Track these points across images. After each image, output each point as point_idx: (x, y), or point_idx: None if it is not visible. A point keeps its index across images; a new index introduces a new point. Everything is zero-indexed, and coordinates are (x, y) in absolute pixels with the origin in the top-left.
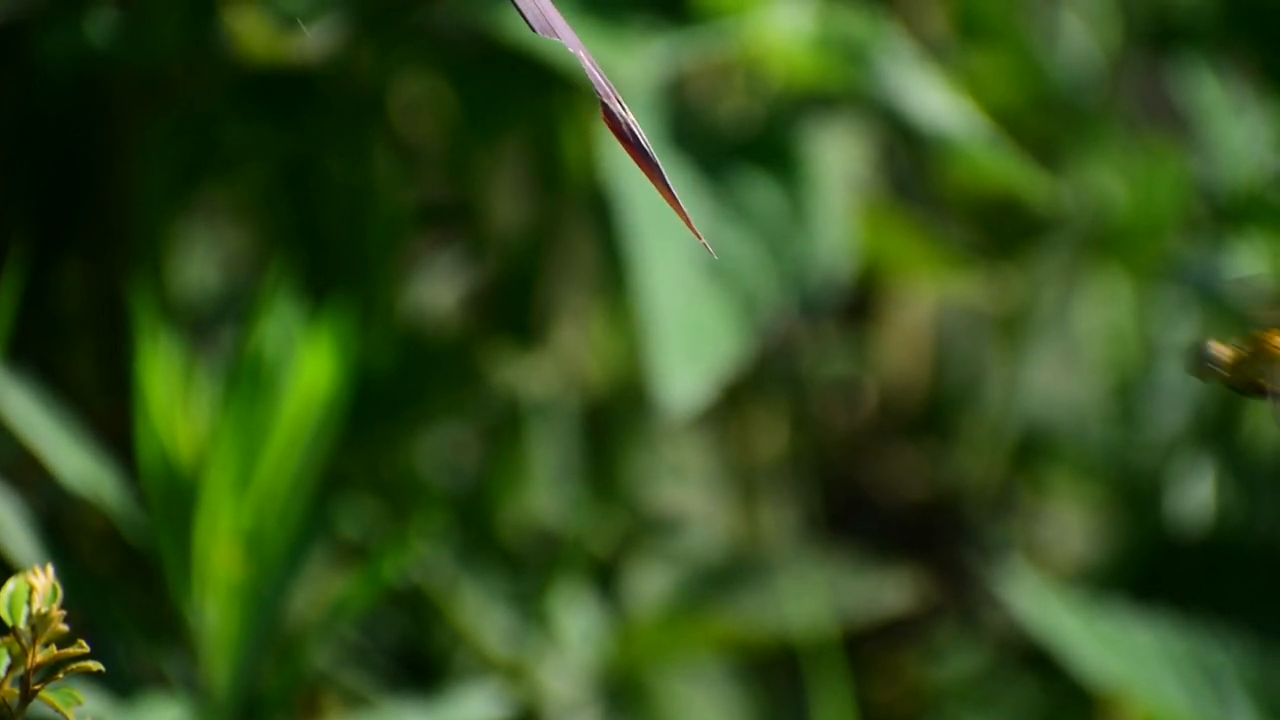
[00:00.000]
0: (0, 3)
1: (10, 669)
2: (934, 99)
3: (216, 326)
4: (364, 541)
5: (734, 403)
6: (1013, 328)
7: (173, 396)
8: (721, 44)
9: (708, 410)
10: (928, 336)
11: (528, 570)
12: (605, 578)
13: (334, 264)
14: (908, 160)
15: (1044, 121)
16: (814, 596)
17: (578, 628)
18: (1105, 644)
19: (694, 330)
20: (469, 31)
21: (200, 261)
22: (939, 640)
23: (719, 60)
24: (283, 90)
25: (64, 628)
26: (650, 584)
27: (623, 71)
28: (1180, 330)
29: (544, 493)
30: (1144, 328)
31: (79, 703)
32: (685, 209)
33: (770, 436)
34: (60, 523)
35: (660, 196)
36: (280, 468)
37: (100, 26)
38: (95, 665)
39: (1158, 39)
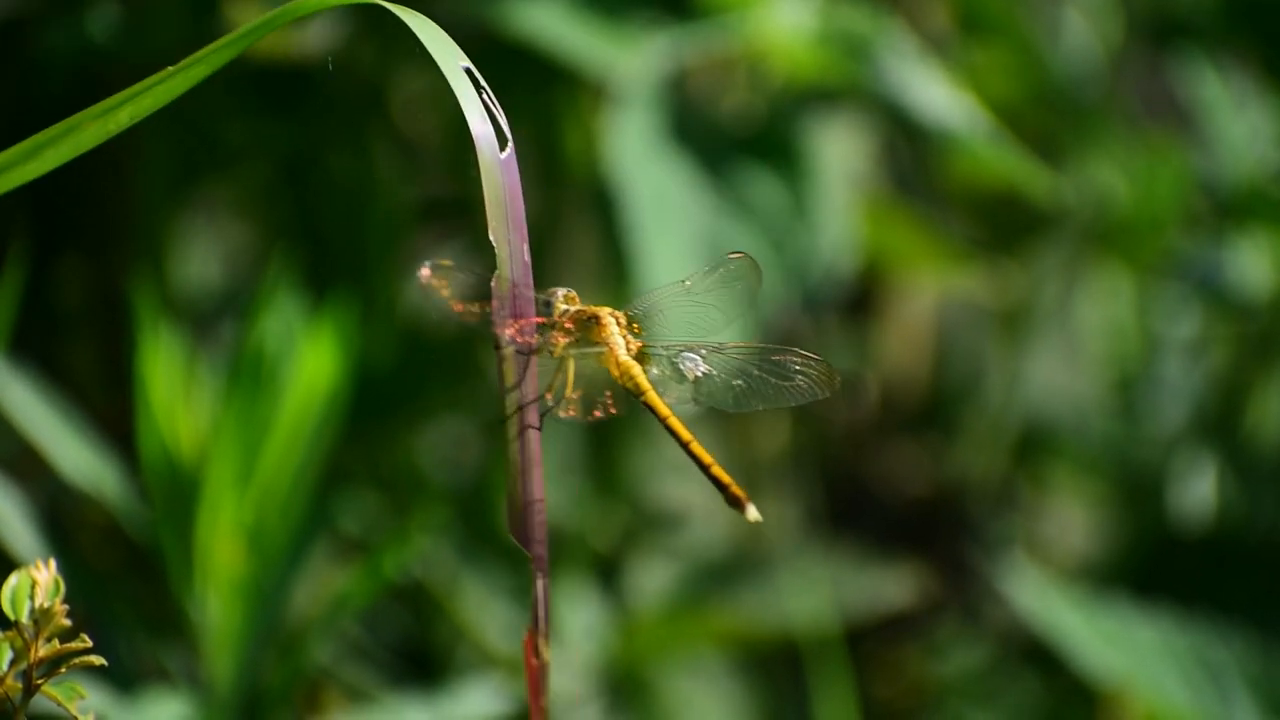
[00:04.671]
0: None
1: (13, 663)
2: (936, 94)
3: (217, 322)
4: (365, 536)
5: None
6: (1014, 323)
7: (174, 391)
8: (724, 39)
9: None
10: (929, 331)
11: (529, 566)
12: (607, 573)
13: (335, 260)
14: (909, 155)
15: (1045, 117)
16: (816, 592)
17: (579, 623)
18: (1107, 639)
19: None
20: (470, 27)
21: (201, 257)
22: (941, 635)
23: (721, 56)
24: (283, 86)
25: (66, 622)
26: (652, 579)
27: (625, 67)
28: (1182, 325)
29: (546, 488)
30: (1145, 323)
31: (82, 696)
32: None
33: (772, 432)
34: (62, 517)
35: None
36: (281, 463)
37: (101, 22)
38: (98, 659)
39: (1159, 35)
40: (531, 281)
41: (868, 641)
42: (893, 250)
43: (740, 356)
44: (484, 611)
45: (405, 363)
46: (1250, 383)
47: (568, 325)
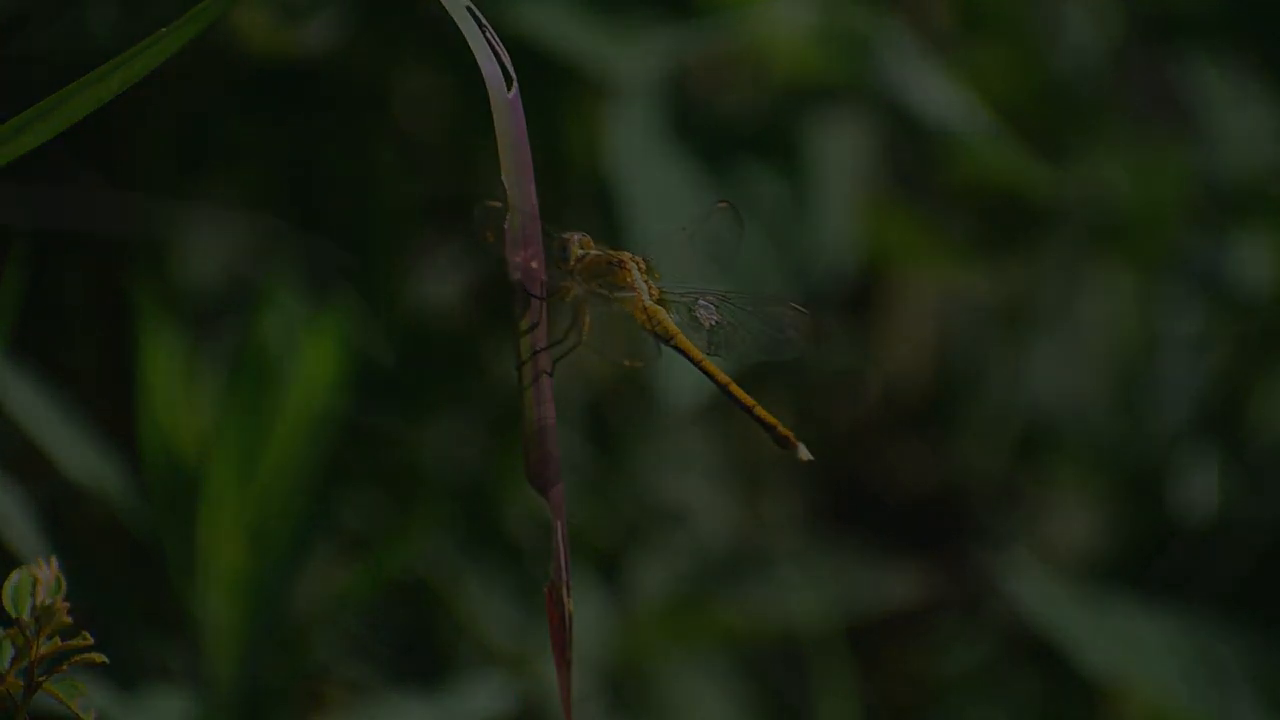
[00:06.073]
0: None
1: (15, 661)
2: (937, 92)
3: (219, 319)
4: (367, 533)
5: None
6: (1016, 319)
7: (175, 389)
8: (725, 37)
9: (711, 403)
10: (931, 328)
11: (531, 562)
12: (609, 569)
13: (336, 257)
14: (911, 152)
15: (1047, 114)
16: (818, 588)
17: (582, 619)
18: (1109, 636)
19: None
20: None
21: (203, 254)
22: (943, 632)
23: (723, 53)
24: (285, 83)
25: (68, 620)
26: (654, 576)
27: (626, 64)
28: (1184, 322)
29: None
30: (1147, 319)
31: (83, 694)
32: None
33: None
34: (64, 515)
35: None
36: (283, 460)
37: (101, 19)
38: (99, 657)
39: (1161, 31)
40: (539, 224)
41: (870, 638)
42: (894, 247)
43: (744, 306)
44: (486, 608)
45: (407, 360)
46: (1253, 379)
47: (589, 269)
